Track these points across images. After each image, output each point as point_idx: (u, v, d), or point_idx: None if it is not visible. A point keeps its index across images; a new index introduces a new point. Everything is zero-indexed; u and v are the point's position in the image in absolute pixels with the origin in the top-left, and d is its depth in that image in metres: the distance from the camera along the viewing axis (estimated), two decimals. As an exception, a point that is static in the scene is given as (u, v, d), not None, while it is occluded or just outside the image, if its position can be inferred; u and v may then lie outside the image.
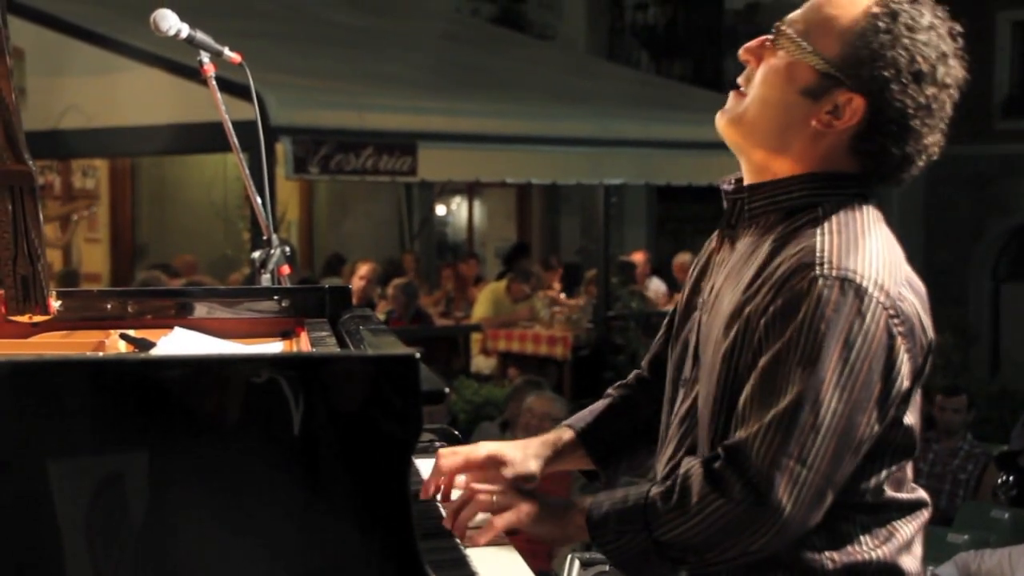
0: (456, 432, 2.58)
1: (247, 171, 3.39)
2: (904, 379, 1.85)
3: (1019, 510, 6.24)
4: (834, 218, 1.90)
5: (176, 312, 2.58)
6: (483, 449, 2.17)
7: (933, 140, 1.94)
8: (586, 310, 10.86)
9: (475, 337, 11.30)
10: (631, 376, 2.34)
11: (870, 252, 1.86)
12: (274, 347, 2.47)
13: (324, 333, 2.38)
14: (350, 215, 14.33)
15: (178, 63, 8.06)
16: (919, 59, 1.89)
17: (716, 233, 2.11)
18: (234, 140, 3.32)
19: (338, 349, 2.23)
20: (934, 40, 1.91)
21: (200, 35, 3.29)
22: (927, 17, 1.91)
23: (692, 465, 1.88)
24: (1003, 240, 16.53)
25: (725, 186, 2.04)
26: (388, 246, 14.06)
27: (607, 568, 2.14)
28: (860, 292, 1.81)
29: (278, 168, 8.39)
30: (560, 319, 10.59)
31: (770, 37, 1.97)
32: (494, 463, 2.15)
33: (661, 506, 1.86)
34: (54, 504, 1.57)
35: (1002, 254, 16.65)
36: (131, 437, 1.58)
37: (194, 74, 3.43)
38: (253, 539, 1.59)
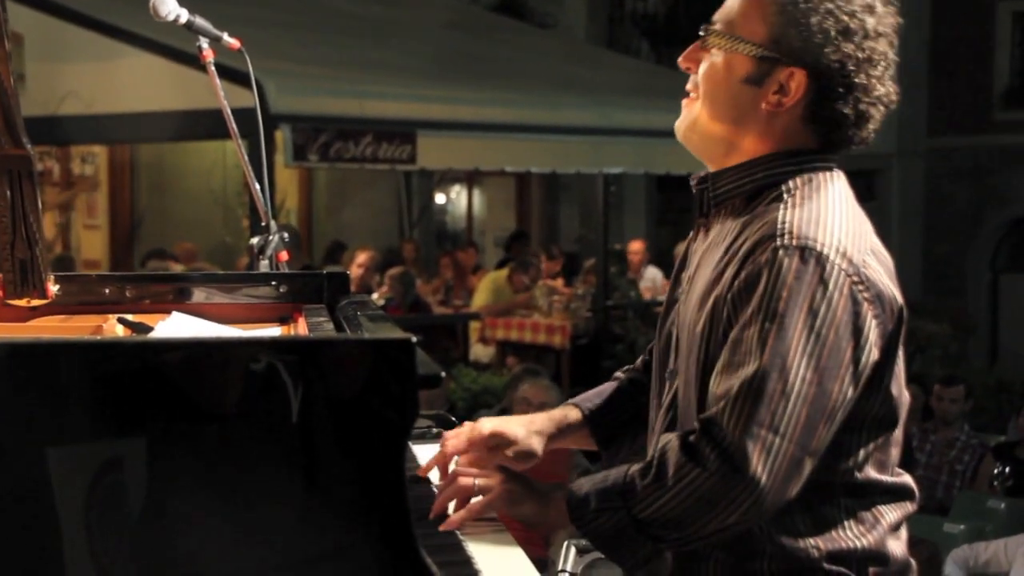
0: (453, 419, 2.59)
1: (246, 158, 3.39)
2: (873, 345, 1.85)
3: (1015, 500, 6.26)
4: (797, 192, 1.92)
5: (174, 297, 2.58)
6: (486, 427, 2.17)
7: (885, 90, 1.95)
8: (585, 299, 10.86)
9: (474, 326, 11.30)
10: (639, 361, 2.35)
11: (832, 221, 1.87)
12: (272, 332, 2.48)
13: (322, 319, 2.38)
14: (349, 203, 14.32)
15: (177, 49, 8.05)
16: (844, 16, 1.90)
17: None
18: (233, 127, 3.32)
19: (335, 333, 2.24)
20: None
21: (199, 20, 3.29)
22: None
23: (669, 440, 1.87)
24: (1002, 231, 16.53)
25: (693, 181, 2.09)
26: (387, 234, 14.05)
27: (603, 555, 2.14)
28: (821, 260, 1.82)
29: (277, 155, 8.39)
30: (559, 308, 10.59)
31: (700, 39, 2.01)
32: (497, 441, 2.15)
33: (639, 482, 1.85)
34: (51, 487, 1.57)
35: (1001, 245, 16.65)
36: (128, 420, 1.59)
37: (193, 61, 3.43)
38: (249, 521, 1.59)
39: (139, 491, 1.58)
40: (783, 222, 1.86)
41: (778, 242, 1.84)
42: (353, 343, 1.72)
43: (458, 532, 1.99)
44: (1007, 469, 6.57)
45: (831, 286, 1.81)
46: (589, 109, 10.29)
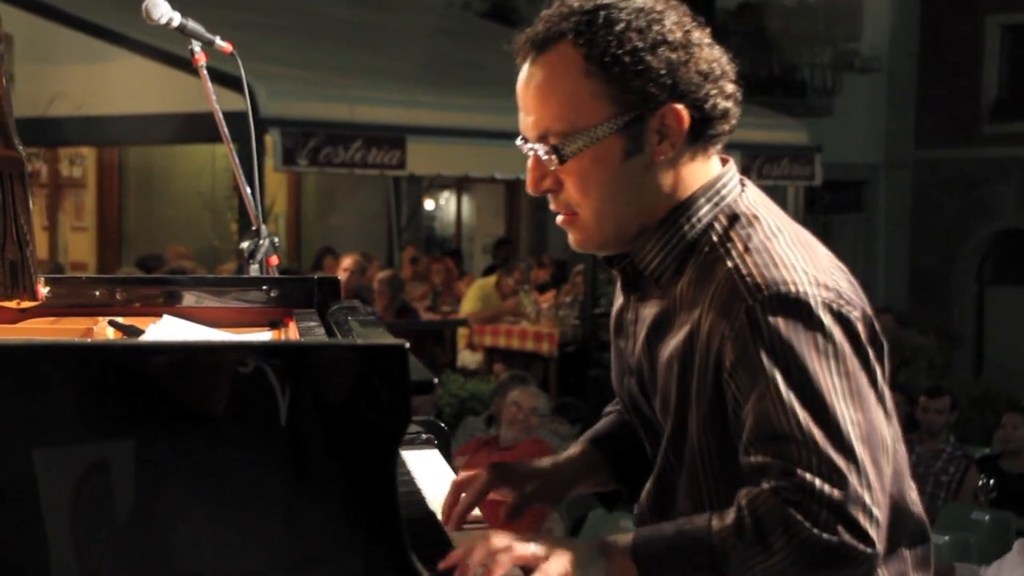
0: (442, 424, 2.59)
1: (237, 161, 3.39)
2: (873, 359, 1.77)
3: (999, 512, 6.27)
4: (731, 236, 1.81)
5: (164, 300, 2.58)
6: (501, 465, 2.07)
7: (729, 65, 1.85)
8: (572, 306, 10.86)
9: (462, 332, 11.30)
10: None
11: (787, 254, 1.77)
12: (262, 336, 2.48)
13: (313, 323, 2.38)
14: (338, 208, 14.30)
15: (168, 52, 8.05)
16: (655, 32, 1.79)
17: (618, 288, 2.01)
18: (224, 130, 3.32)
19: (326, 338, 2.24)
20: (648, 12, 1.81)
21: (191, 24, 3.29)
22: (631, 5, 1.82)
23: (757, 495, 1.71)
24: (988, 243, 16.59)
25: (608, 262, 1.96)
26: (376, 240, 14.04)
27: None
28: (801, 300, 1.72)
29: (267, 159, 8.38)
30: (547, 315, 10.59)
31: (543, 159, 1.84)
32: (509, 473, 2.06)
33: (735, 541, 1.69)
34: (38, 490, 1.57)
35: (987, 257, 16.70)
36: (118, 423, 1.58)
37: (184, 64, 3.43)
38: (239, 526, 1.59)
39: (127, 495, 1.58)
40: (741, 276, 1.75)
41: (749, 301, 1.73)
42: (345, 348, 1.72)
43: (448, 534, 1.99)
44: (991, 481, 6.58)
45: (825, 320, 1.72)
46: (579, 117, 10.27)
